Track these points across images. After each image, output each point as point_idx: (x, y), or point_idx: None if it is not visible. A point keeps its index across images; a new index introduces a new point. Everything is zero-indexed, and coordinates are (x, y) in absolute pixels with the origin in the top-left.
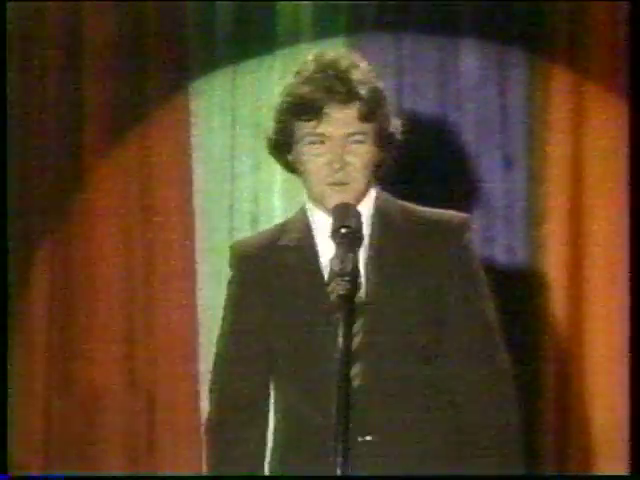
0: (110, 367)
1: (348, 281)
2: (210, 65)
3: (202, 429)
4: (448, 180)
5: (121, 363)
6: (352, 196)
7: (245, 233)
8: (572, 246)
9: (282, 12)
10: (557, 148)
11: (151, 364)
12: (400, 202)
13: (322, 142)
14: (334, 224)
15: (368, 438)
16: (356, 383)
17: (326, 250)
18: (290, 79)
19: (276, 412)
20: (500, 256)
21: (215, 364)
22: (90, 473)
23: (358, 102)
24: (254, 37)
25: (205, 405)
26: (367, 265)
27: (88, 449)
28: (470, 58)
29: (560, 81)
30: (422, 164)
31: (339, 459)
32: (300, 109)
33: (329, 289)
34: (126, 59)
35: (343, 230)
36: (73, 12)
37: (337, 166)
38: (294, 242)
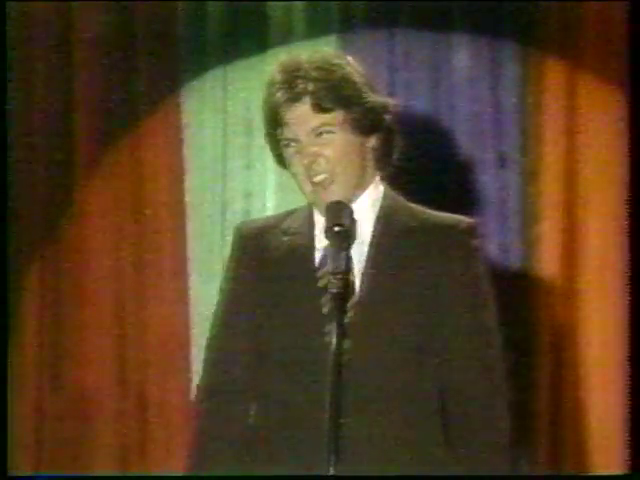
0: (101, 367)
1: (340, 279)
2: (202, 65)
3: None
4: (441, 178)
5: (112, 363)
6: (340, 191)
7: None
8: (566, 244)
9: (273, 11)
10: (551, 145)
11: (142, 364)
12: (408, 203)
13: (290, 145)
14: (327, 222)
15: (341, 421)
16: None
17: (322, 238)
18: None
19: (260, 393)
20: (494, 254)
21: (210, 335)
22: (82, 474)
23: (307, 96)
24: (245, 36)
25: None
26: (367, 262)
27: (79, 449)
28: (463, 55)
29: (554, 77)
30: (414, 162)
31: (332, 458)
32: (268, 119)
33: (320, 283)
34: (117, 61)
35: (336, 228)
36: (62, 14)
37: (306, 161)
38: (294, 227)
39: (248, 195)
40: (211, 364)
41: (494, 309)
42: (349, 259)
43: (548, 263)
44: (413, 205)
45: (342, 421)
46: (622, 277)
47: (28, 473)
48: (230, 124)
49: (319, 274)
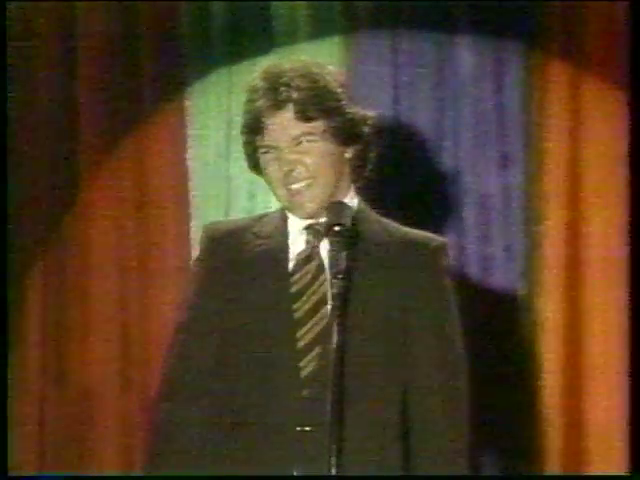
0: (104, 367)
1: (342, 279)
2: (206, 66)
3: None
4: (444, 178)
5: (115, 362)
6: (316, 198)
7: None
8: (569, 244)
9: (278, 12)
10: (555, 145)
11: (146, 363)
12: (380, 218)
13: (270, 151)
14: (327, 221)
15: (307, 428)
16: (305, 372)
17: (295, 243)
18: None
19: (221, 396)
20: (497, 255)
21: (173, 336)
22: (85, 474)
23: (291, 104)
24: (250, 37)
25: None
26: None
27: (82, 449)
28: (466, 55)
29: (558, 77)
30: (418, 162)
31: (333, 459)
32: (248, 125)
33: (293, 289)
34: (121, 61)
35: (337, 228)
36: (67, 15)
37: (285, 169)
38: (267, 231)
39: (252, 196)
40: (172, 367)
41: (458, 324)
42: (351, 259)
43: (551, 264)
44: (385, 220)
45: (307, 428)
46: (624, 277)
47: (30, 473)
48: (234, 124)
49: (293, 279)
